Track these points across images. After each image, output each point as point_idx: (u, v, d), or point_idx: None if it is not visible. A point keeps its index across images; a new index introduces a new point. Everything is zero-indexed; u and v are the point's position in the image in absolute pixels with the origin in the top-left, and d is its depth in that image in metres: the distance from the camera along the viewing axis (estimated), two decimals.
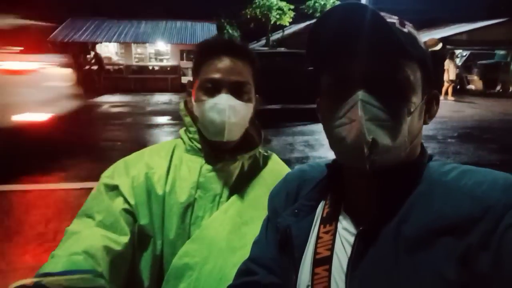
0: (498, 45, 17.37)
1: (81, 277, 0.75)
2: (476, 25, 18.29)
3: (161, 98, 14.16)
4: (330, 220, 0.67)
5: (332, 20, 0.57)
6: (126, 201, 0.96)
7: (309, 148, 6.67)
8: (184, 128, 1.12)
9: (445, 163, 0.62)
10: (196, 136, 1.06)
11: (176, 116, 9.55)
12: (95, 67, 15.97)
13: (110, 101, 13.16)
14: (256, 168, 1.12)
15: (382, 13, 0.57)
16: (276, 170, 1.13)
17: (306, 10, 21.71)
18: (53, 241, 3.09)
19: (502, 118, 10.41)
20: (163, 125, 8.71)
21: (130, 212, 0.95)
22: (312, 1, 21.33)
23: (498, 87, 16.29)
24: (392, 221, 0.57)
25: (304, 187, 0.75)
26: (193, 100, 1.05)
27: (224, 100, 0.99)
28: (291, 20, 21.19)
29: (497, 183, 0.53)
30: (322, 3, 20.94)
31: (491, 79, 16.14)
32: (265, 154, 1.18)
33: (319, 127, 9.03)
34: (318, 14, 21.22)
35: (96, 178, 1.06)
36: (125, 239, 0.92)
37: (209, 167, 1.05)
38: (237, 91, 1.01)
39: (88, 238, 0.88)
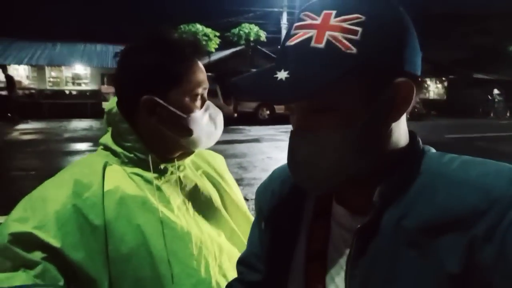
0: None
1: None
2: None
3: (80, 124, 13.21)
4: (322, 213, 0.64)
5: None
6: (47, 247, 0.75)
7: (243, 170, 6.64)
8: (112, 137, 0.92)
9: (443, 154, 0.59)
10: (138, 145, 0.90)
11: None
12: (3, 92, 14.46)
13: (20, 128, 11.92)
14: (199, 166, 1.06)
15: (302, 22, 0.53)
16: (213, 155, 1.14)
17: (231, 38, 22.31)
18: None
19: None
20: (83, 151, 8.07)
21: (56, 257, 0.75)
22: (237, 29, 22.03)
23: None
24: (392, 215, 0.54)
25: (288, 183, 0.70)
26: (177, 111, 0.87)
27: (215, 108, 0.96)
28: (217, 46, 21.57)
29: (502, 174, 0.51)
30: (247, 31, 21.74)
31: None
32: None
33: (250, 150, 9.18)
34: (242, 42, 21.95)
35: (7, 210, 0.81)
36: (60, 283, 0.75)
37: (161, 175, 0.92)
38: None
39: (17, 281, 0.70)
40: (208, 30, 20.84)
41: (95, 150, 0.96)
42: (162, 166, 0.92)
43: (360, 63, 0.50)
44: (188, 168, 1.00)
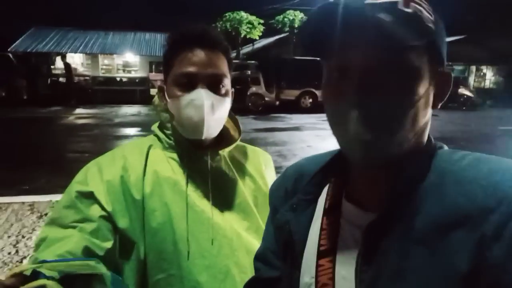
0: (456, 60, 18.46)
1: (83, 262, 0.69)
2: None
3: (130, 110, 13.87)
4: (333, 211, 0.65)
5: (325, 13, 0.53)
6: (102, 208, 0.88)
7: (282, 158, 6.70)
8: (158, 124, 1.05)
9: (455, 150, 0.59)
10: (175, 133, 1.01)
11: (147, 128, 9.35)
12: (62, 79, 15.49)
13: (75, 113, 12.73)
14: (237, 160, 1.10)
15: None
16: (257, 153, 1.17)
17: (275, 25, 22.18)
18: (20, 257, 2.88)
19: (462, 129, 10.96)
20: (132, 136, 8.50)
21: (109, 219, 0.88)
22: (281, 16, 21.84)
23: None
24: (402, 213, 0.54)
25: (301, 181, 0.73)
26: (166, 96, 0.99)
27: (201, 95, 0.93)
28: (261, 34, 21.55)
29: None
30: (291, 18, 21.48)
31: (451, 93, 17.02)
32: (240, 144, 1.14)
33: (290, 138, 9.21)
34: (287, 29, 21.74)
35: (63, 189, 0.93)
36: (108, 244, 0.86)
37: (193, 164, 1.00)
38: (214, 85, 0.96)
39: (70, 243, 0.82)
40: (253, 18, 20.85)
41: (143, 135, 1.09)
42: (197, 154, 1.01)
43: (433, 41, 0.53)
44: (223, 160, 1.06)
